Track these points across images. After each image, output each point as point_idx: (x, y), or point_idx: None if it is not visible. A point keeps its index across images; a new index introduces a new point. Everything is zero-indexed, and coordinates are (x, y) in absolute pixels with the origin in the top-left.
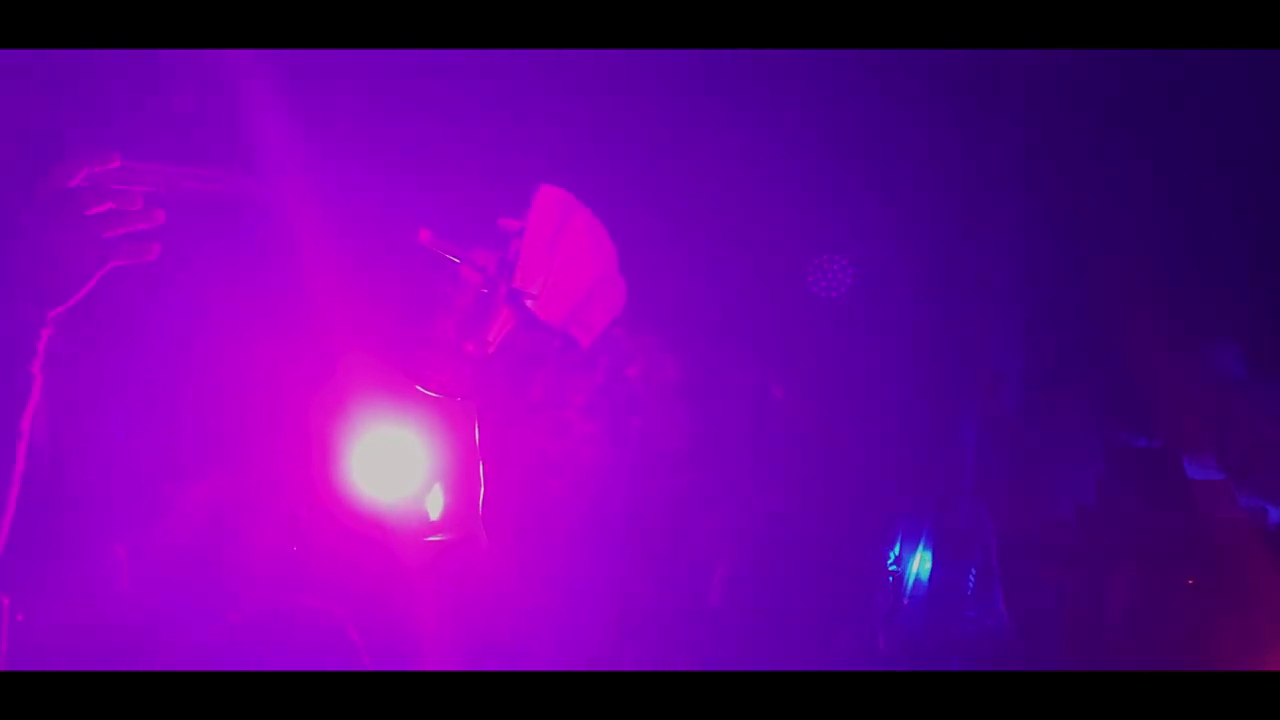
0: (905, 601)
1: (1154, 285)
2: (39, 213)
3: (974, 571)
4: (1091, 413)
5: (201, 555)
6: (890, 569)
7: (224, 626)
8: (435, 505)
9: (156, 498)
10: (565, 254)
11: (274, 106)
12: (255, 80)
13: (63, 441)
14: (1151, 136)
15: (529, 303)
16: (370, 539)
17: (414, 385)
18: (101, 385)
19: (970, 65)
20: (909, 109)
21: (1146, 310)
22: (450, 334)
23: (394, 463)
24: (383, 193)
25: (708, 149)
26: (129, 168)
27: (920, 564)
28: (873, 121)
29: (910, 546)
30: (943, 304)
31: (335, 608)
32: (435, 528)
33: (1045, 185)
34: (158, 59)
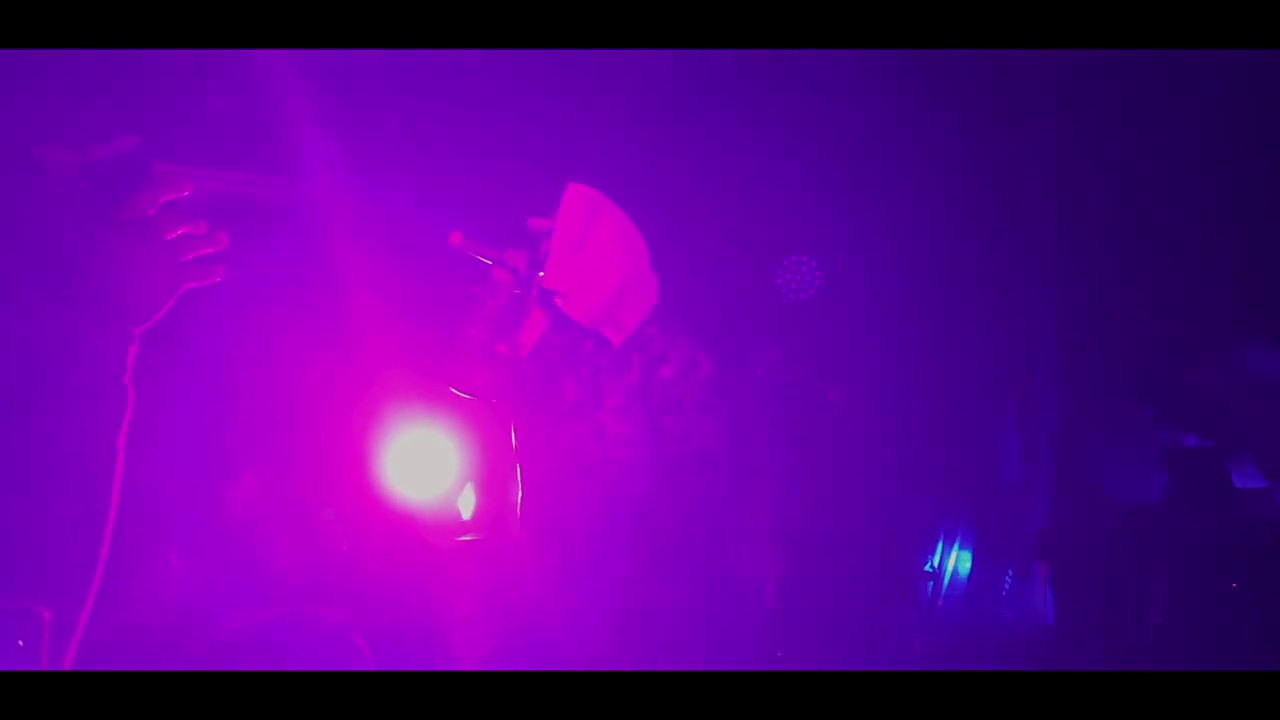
0: (941, 603)
1: (1193, 288)
2: (122, 236)
3: (1011, 572)
4: (1133, 414)
5: (243, 556)
6: (928, 570)
7: (260, 625)
8: (468, 504)
9: (204, 502)
10: (594, 253)
11: (305, 110)
12: (286, 85)
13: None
14: (1185, 137)
15: (559, 302)
16: (407, 534)
17: (448, 387)
18: (149, 392)
19: (999, 66)
20: (951, 111)
21: (1187, 313)
22: (483, 336)
23: (429, 462)
24: (413, 195)
25: (740, 146)
26: (199, 176)
27: (958, 565)
28: (909, 123)
29: (948, 547)
30: (980, 306)
31: (369, 606)
32: (468, 526)
33: (1080, 186)
34: (191, 60)
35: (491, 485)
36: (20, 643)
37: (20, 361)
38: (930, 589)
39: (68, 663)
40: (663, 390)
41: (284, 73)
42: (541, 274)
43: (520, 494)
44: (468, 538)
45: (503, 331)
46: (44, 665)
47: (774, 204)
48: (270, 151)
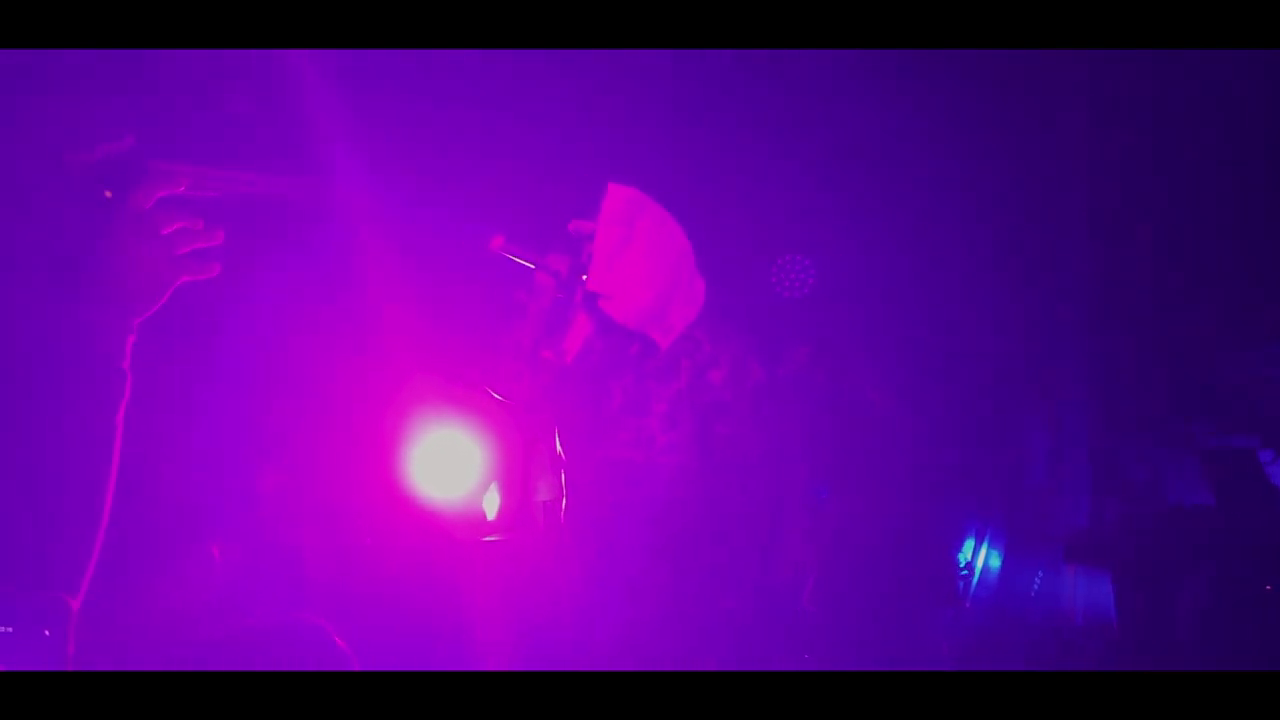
0: (969, 604)
1: (1229, 288)
2: (120, 231)
3: (1041, 572)
4: (1166, 414)
5: (277, 553)
6: (961, 571)
7: (240, 631)
8: (493, 504)
9: (240, 500)
10: (638, 254)
11: (344, 113)
12: (327, 88)
13: (149, 447)
14: (1204, 133)
15: (604, 305)
16: (434, 532)
17: (490, 391)
18: (179, 388)
19: (1028, 65)
20: (977, 112)
21: (1219, 311)
22: (527, 341)
23: (458, 462)
24: (455, 198)
25: (784, 147)
26: (200, 175)
27: (988, 565)
28: (946, 124)
29: (979, 547)
30: (1011, 307)
31: (397, 604)
32: (493, 526)
33: (1111, 186)
34: (221, 60)
35: (519, 486)
36: (46, 632)
37: (24, 348)
38: (961, 589)
39: (70, 645)
40: (713, 396)
41: (323, 76)
42: (585, 277)
43: (564, 499)
44: (493, 538)
45: (547, 336)
46: (64, 649)
47: (787, 205)
48: (311, 153)
